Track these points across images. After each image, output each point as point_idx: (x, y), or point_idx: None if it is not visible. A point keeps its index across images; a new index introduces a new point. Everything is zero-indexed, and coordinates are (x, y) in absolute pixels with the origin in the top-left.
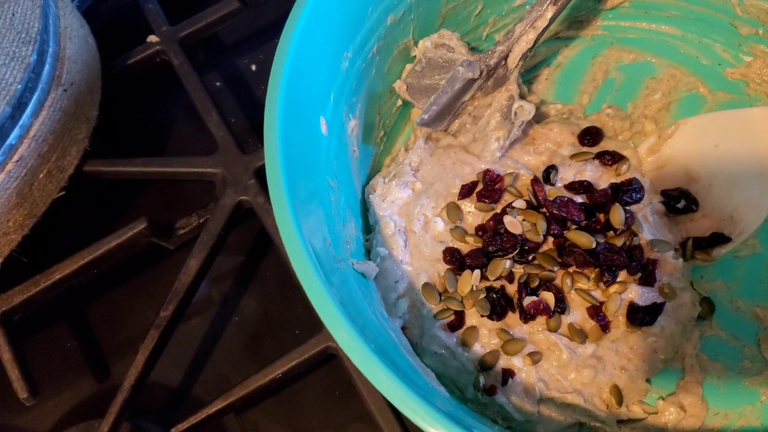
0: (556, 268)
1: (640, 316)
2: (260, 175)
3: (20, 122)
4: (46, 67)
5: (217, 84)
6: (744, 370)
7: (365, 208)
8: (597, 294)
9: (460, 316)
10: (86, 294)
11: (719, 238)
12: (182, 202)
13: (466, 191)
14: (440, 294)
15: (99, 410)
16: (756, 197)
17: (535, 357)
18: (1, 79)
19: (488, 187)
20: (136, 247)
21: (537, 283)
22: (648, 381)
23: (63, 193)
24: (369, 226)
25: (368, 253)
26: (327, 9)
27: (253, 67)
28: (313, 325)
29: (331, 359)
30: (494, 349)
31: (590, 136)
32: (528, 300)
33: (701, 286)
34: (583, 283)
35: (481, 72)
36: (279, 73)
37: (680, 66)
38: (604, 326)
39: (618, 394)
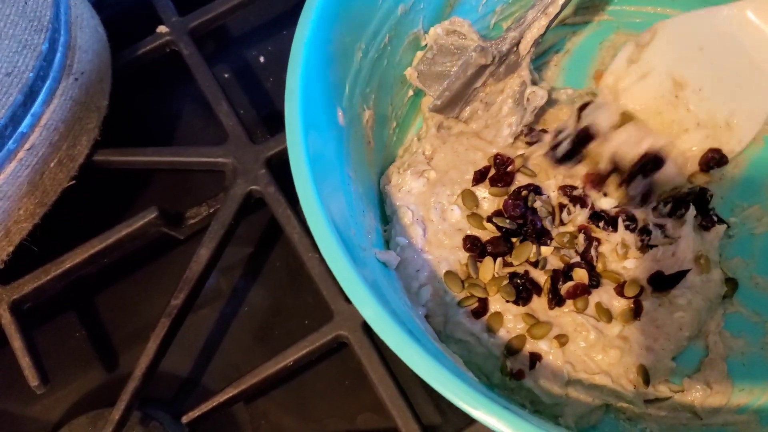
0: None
1: (662, 283)
2: (271, 164)
3: (32, 110)
4: (58, 55)
5: (226, 75)
6: (766, 345)
7: (381, 199)
8: (625, 267)
9: (483, 303)
10: (96, 284)
11: (719, 160)
12: (192, 192)
13: (479, 177)
14: (463, 281)
15: (109, 400)
16: (750, 101)
17: (561, 339)
18: (13, 66)
19: (500, 171)
20: (146, 237)
21: (567, 261)
22: (673, 359)
23: (73, 182)
24: (386, 217)
25: (387, 244)
26: (339, 1)
27: (262, 59)
28: (323, 314)
29: (342, 348)
30: (521, 334)
31: None
32: (566, 286)
33: (721, 263)
34: (607, 248)
35: (494, 58)
36: (297, 65)
37: None
38: (637, 310)
39: (645, 374)
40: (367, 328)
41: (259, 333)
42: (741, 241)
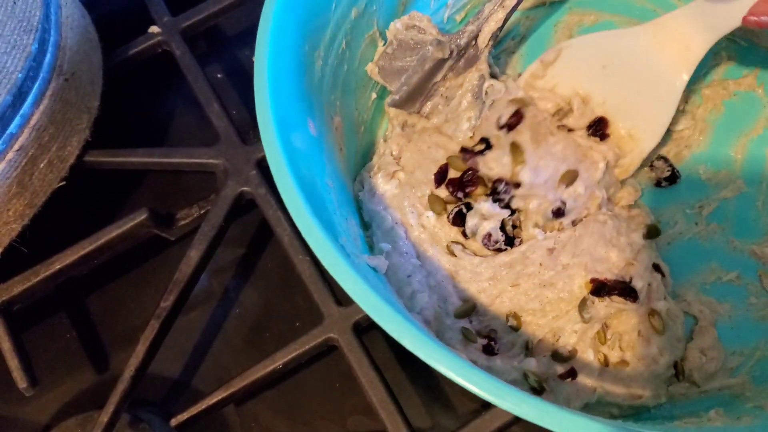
0: None
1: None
2: (262, 166)
3: (21, 111)
4: (48, 56)
5: (218, 76)
6: (751, 306)
7: (359, 206)
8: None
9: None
10: (86, 285)
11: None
12: (183, 193)
13: (440, 178)
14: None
15: (98, 401)
16: (648, 116)
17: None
18: (2, 67)
19: (463, 177)
20: (136, 238)
21: None
22: None
23: (63, 183)
24: (365, 223)
25: (371, 250)
26: (294, 9)
27: (254, 60)
28: (314, 317)
29: (332, 351)
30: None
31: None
32: None
33: (698, 231)
34: None
35: (452, 52)
36: (263, 79)
37: (640, 21)
38: None
39: (682, 367)
40: (356, 331)
41: (250, 335)
42: (715, 207)
